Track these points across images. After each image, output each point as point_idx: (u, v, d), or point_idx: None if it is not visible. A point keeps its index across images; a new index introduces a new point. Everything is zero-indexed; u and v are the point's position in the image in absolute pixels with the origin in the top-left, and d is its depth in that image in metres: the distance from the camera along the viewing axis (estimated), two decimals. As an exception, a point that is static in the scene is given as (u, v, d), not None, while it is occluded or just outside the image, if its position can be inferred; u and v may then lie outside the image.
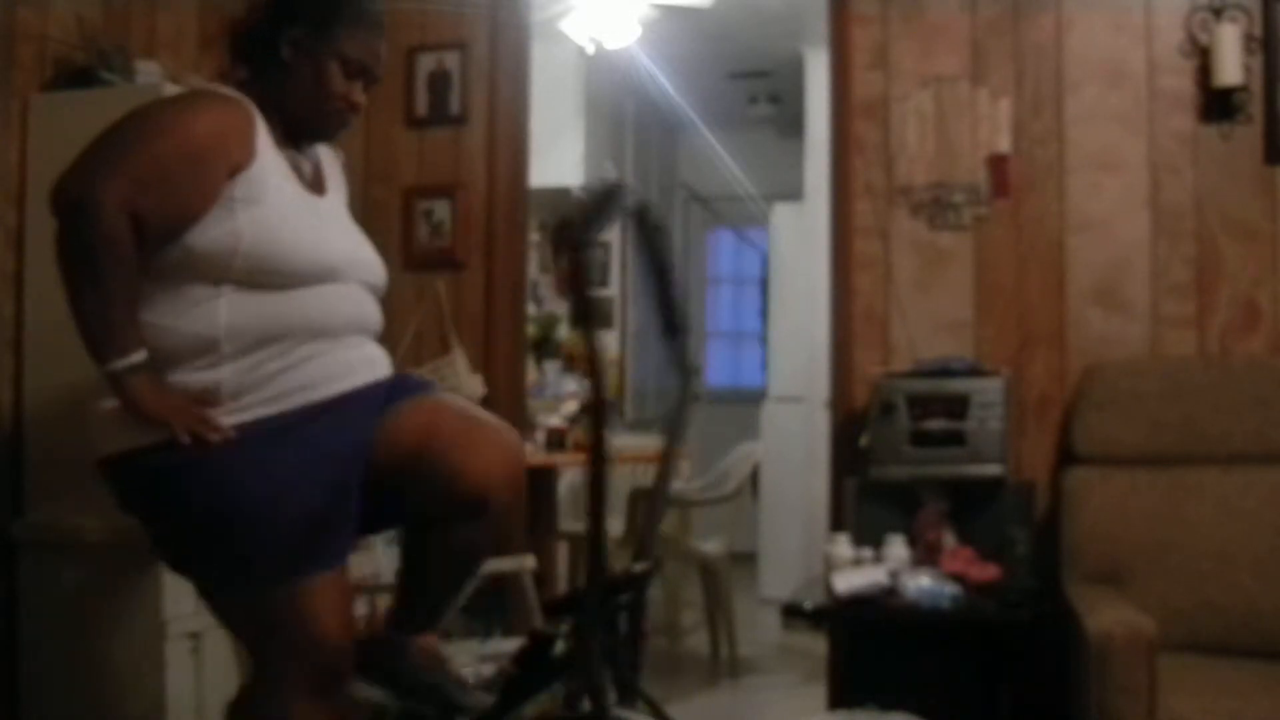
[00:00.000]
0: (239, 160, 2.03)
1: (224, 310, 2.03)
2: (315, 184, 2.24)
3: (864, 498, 3.38)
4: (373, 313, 2.24)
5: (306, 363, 2.07)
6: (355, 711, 2.16)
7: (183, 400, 2.00)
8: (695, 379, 2.09)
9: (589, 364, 1.93)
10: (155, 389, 1.98)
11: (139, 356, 1.97)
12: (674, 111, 6.75)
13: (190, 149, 2.00)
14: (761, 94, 7.31)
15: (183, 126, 2.02)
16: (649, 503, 2.15)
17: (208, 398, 2.01)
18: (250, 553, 1.99)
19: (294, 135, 2.19)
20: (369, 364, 2.20)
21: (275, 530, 1.99)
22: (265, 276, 2.04)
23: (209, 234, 2.01)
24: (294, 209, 2.11)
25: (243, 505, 1.99)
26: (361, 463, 2.12)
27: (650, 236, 2.00)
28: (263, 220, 2.04)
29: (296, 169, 2.18)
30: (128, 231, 1.95)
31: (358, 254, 2.24)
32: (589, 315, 1.79)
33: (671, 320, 2.03)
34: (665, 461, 2.09)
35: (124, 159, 1.97)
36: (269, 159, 2.09)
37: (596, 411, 1.86)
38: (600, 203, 1.90)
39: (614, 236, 6.77)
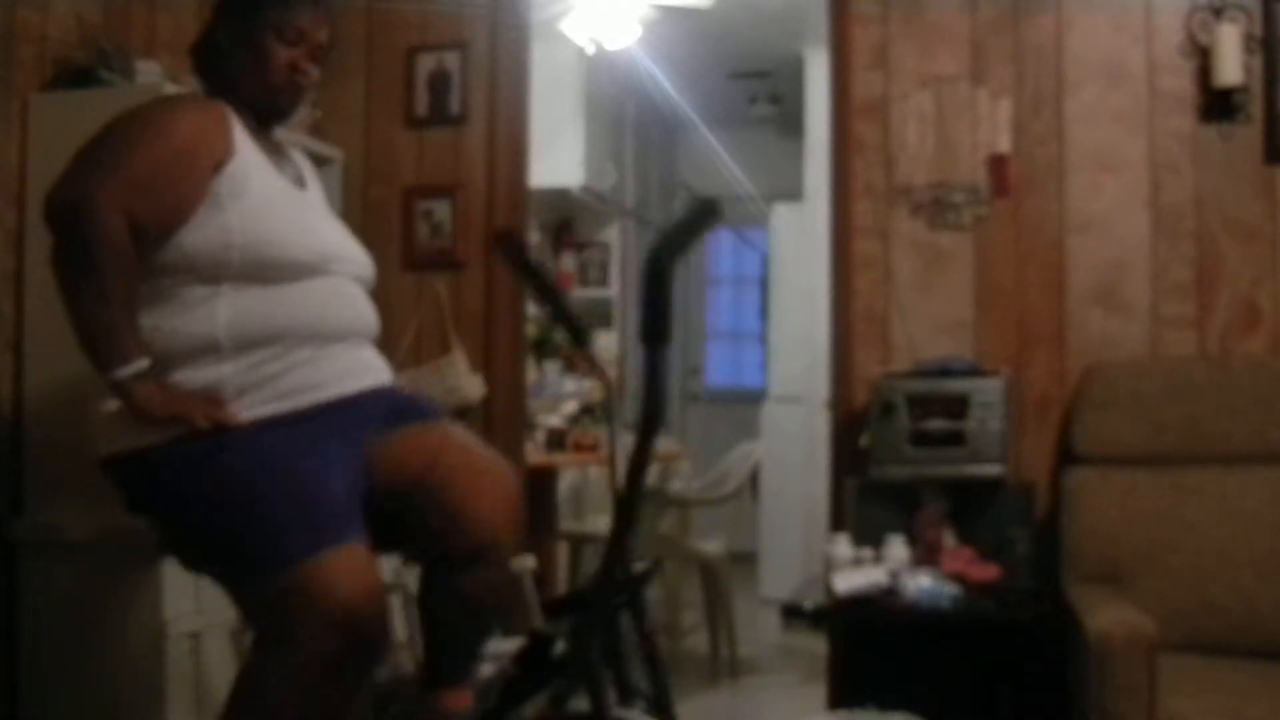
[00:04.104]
0: (221, 155, 2.06)
1: (223, 309, 2.04)
2: (297, 181, 2.27)
3: (864, 498, 3.38)
4: (368, 312, 2.26)
5: (307, 365, 2.09)
6: (362, 694, 2.12)
7: (191, 394, 2.01)
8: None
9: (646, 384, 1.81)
10: (160, 392, 1.99)
11: (143, 363, 1.98)
12: (674, 111, 6.75)
13: (177, 147, 2.03)
14: (761, 94, 7.30)
15: (167, 126, 2.05)
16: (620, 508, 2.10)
17: (211, 395, 2.02)
18: (265, 534, 1.96)
19: (263, 123, 2.21)
20: (369, 370, 2.22)
21: (289, 507, 1.97)
22: (261, 269, 2.05)
23: (201, 232, 2.03)
24: (279, 199, 2.14)
25: (253, 488, 1.98)
26: (362, 462, 2.12)
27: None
28: (251, 211, 2.06)
29: (277, 166, 2.21)
30: (125, 234, 1.97)
31: (345, 245, 2.26)
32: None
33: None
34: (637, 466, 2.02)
35: (115, 163, 1.99)
36: (248, 153, 2.12)
37: (646, 430, 1.75)
38: (692, 222, 1.82)
39: (614, 236, 6.77)
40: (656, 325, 1.65)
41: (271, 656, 1.98)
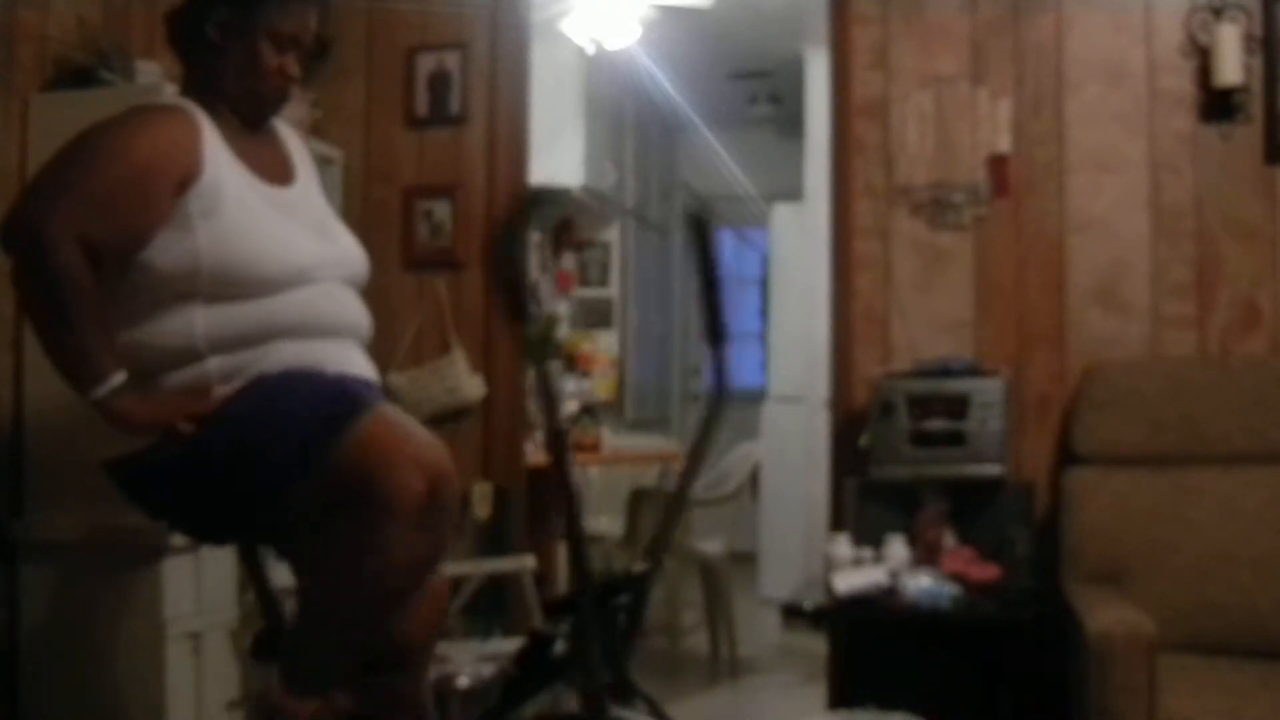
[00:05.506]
0: (187, 173, 2.02)
1: (199, 322, 2.03)
2: (280, 173, 2.21)
3: (864, 498, 3.37)
4: (356, 313, 2.21)
5: (293, 355, 2.07)
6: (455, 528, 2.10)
7: (170, 398, 2.01)
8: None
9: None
10: (140, 402, 1.99)
11: (118, 379, 1.97)
12: (674, 111, 6.75)
13: (133, 169, 1.99)
14: (761, 94, 7.30)
15: (123, 147, 2.01)
16: (667, 508, 2.13)
17: (196, 387, 2.02)
18: (300, 422, 1.95)
19: (242, 119, 2.17)
20: (356, 366, 2.18)
21: (309, 394, 1.99)
22: (233, 288, 2.03)
23: (168, 253, 2.01)
24: (255, 214, 2.09)
25: (269, 401, 1.98)
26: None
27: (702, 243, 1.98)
28: (222, 233, 2.03)
29: (256, 162, 2.15)
30: (81, 259, 1.94)
31: (329, 250, 2.19)
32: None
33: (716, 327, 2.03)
34: (691, 466, 2.09)
35: (69, 187, 1.97)
36: (221, 165, 2.07)
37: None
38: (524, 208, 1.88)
39: (614, 236, 6.76)
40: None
41: (358, 526, 1.92)
